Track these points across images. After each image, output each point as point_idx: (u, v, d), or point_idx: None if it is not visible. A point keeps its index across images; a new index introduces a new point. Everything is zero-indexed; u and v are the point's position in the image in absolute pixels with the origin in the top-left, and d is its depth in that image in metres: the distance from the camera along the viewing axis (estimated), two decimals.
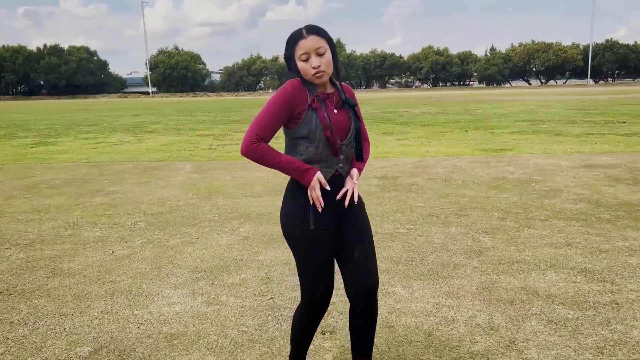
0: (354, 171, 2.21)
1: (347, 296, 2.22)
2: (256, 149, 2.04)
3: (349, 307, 2.29)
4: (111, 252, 4.51)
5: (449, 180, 7.36)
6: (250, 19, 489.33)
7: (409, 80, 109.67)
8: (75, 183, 7.82)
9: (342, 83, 2.24)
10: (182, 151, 11.61)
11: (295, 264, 2.28)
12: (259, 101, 49.48)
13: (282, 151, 2.16)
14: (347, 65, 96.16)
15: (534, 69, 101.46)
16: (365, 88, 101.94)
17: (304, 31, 2.08)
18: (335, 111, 2.14)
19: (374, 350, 2.51)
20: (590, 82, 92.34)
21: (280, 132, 2.16)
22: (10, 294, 3.64)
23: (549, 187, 6.68)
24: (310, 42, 2.06)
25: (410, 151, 10.44)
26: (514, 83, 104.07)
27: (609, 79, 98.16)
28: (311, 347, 2.83)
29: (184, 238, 4.87)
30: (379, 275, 2.91)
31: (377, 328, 2.81)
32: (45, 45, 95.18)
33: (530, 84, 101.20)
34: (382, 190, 6.77)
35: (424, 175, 7.76)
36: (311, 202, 2.13)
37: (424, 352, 2.75)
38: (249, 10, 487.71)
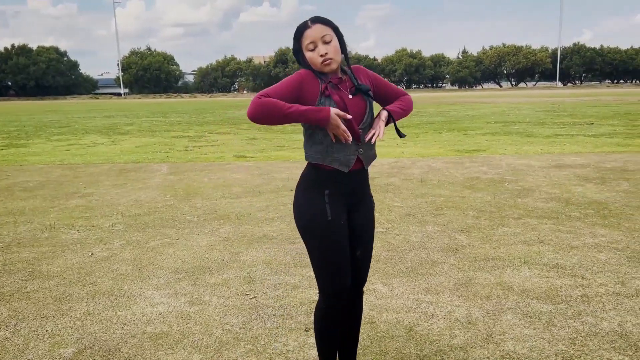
0: (383, 111, 2.18)
1: None
2: (264, 102, 1.96)
3: None
4: (90, 254, 4.48)
5: (425, 180, 7.49)
6: (224, 20, 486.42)
7: None
8: (50, 185, 7.70)
9: (353, 66, 2.21)
10: (158, 153, 11.52)
11: (309, 260, 2.23)
12: (234, 102, 49.21)
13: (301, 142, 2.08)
14: None
15: (505, 72, 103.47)
16: None
17: (308, 22, 2.10)
18: (350, 96, 2.12)
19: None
20: (559, 84, 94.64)
21: (298, 126, 2.15)
22: None
23: (521, 187, 6.87)
24: (315, 31, 2.07)
25: (386, 152, 10.57)
26: (485, 85, 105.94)
27: (577, 82, 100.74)
28: (295, 343, 2.89)
29: (163, 239, 4.86)
30: None
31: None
32: (13, 46, 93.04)
33: (501, 86, 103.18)
34: None
35: (400, 176, 7.88)
36: (334, 140, 2.06)
37: (405, 347, 2.84)
38: (222, 11, 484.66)
